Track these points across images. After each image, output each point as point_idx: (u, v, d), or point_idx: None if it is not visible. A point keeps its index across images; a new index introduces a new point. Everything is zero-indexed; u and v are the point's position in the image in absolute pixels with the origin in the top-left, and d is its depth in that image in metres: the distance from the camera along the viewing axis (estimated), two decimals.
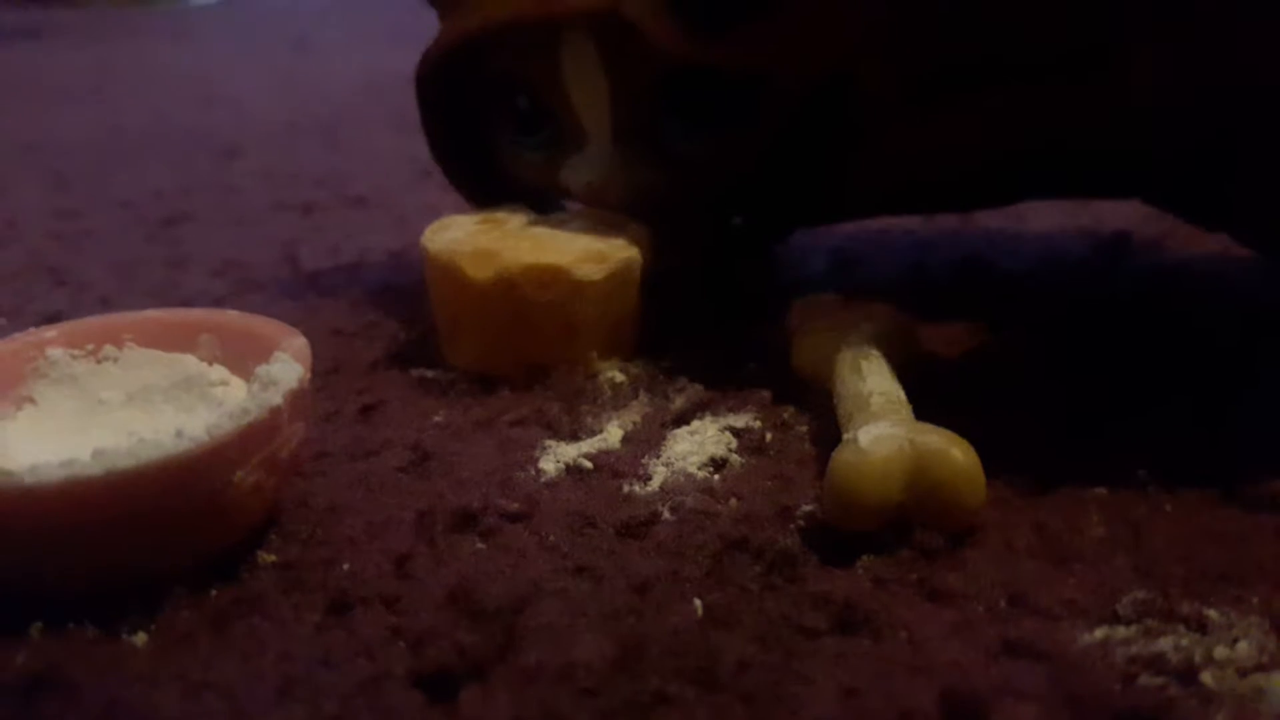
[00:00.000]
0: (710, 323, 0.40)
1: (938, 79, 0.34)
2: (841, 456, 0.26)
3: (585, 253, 0.35)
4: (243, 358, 0.30)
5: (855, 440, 0.26)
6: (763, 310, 0.41)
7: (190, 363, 0.30)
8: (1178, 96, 0.31)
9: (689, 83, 0.36)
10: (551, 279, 0.34)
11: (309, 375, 0.27)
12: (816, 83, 0.36)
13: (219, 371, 0.30)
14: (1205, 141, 0.32)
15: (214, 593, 0.25)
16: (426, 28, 0.41)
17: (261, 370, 0.27)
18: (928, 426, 0.27)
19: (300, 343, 0.29)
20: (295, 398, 0.26)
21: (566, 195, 0.40)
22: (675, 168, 0.38)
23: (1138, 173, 0.37)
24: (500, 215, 0.39)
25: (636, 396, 0.34)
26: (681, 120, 0.37)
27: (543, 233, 0.36)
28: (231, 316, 0.31)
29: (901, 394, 0.29)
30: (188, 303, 0.44)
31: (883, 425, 0.27)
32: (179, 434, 0.24)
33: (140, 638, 0.23)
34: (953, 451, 0.26)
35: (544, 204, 0.41)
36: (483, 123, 0.42)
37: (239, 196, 0.66)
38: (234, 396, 0.29)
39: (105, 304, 0.46)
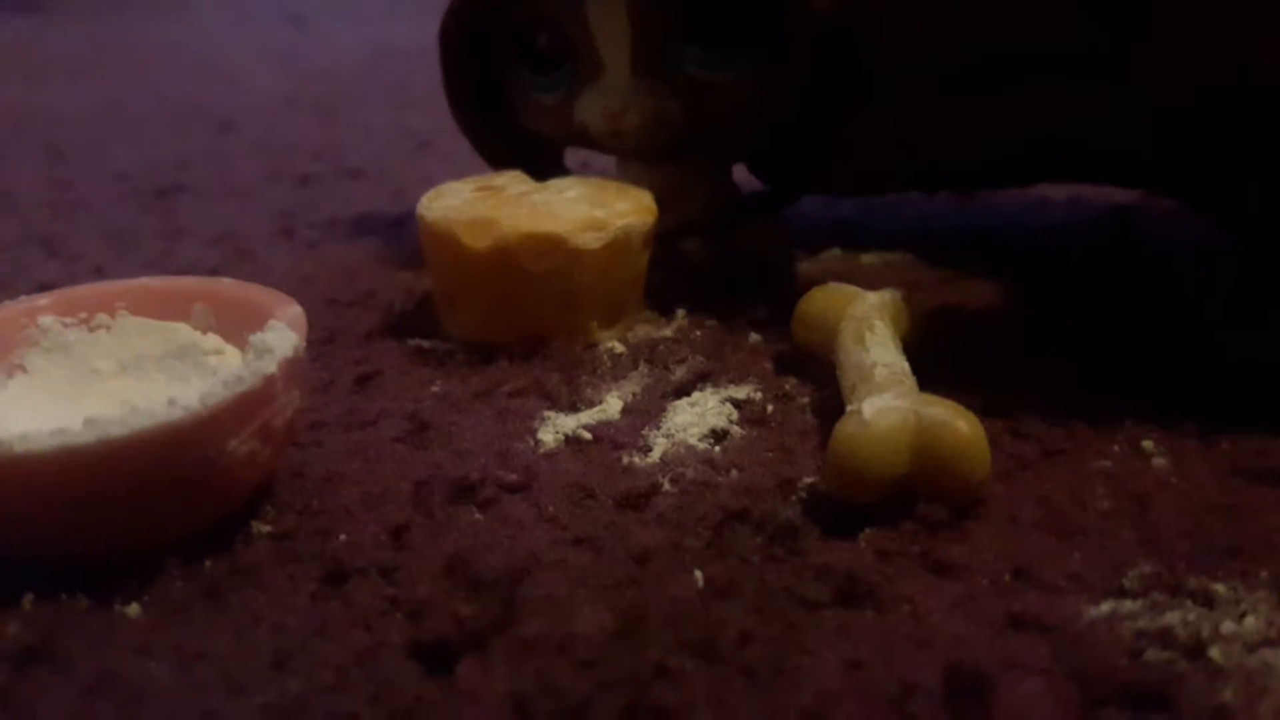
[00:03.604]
0: (712, 291, 0.39)
1: (948, 72, 0.34)
2: (845, 428, 0.26)
3: (584, 221, 0.34)
4: (237, 326, 0.29)
5: (859, 412, 0.26)
6: (765, 279, 0.40)
7: (184, 331, 0.30)
8: (1180, 97, 0.31)
9: (710, 9, 0.36)
10: (549, 248, 0.34)
11: (304, 344, 0.27)
12: (837, 19, 0.35)
13: (213, 340, 0.30)
14: (1210, 144, 0.32)
15: (208, 563, 0.25)
16: (423, 2, 0.41)
17: (256, 338, 0.26)
18: (932, 398, 0.26)
19: (295, 311, 0.28)
20: (290, 366, 0.26)
21: (582, 136, 0.40)
22: (693, 97, 0.38)
23: (1147, 172, 0.37)
24: (498, 182, 0.38)
25: (636, 367, 0.34)
26: (701, 48, 0.37)
27: (541, 200, 0.36)
28: (226, 285, 0.31)
29: (905, 365, 0.29)
30: (183, 273, 0.43)
31: (887, 397, 0.26)
32: (172, 402, 0.23)
33: (133, 608, 0.23)
34: (958, 424, 0.25)
35: (545, 172, 0.40)
36: (501, 77, 0.42)
37: (235, 168, 0.65)
38: (228, 365, 0.29)
39: (99, 274, 0.45)
